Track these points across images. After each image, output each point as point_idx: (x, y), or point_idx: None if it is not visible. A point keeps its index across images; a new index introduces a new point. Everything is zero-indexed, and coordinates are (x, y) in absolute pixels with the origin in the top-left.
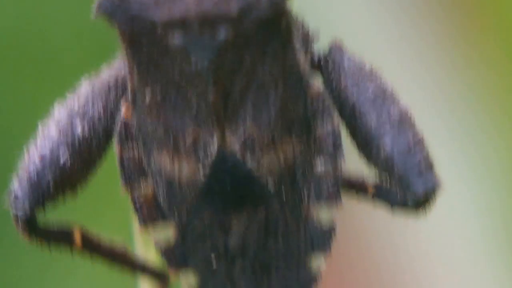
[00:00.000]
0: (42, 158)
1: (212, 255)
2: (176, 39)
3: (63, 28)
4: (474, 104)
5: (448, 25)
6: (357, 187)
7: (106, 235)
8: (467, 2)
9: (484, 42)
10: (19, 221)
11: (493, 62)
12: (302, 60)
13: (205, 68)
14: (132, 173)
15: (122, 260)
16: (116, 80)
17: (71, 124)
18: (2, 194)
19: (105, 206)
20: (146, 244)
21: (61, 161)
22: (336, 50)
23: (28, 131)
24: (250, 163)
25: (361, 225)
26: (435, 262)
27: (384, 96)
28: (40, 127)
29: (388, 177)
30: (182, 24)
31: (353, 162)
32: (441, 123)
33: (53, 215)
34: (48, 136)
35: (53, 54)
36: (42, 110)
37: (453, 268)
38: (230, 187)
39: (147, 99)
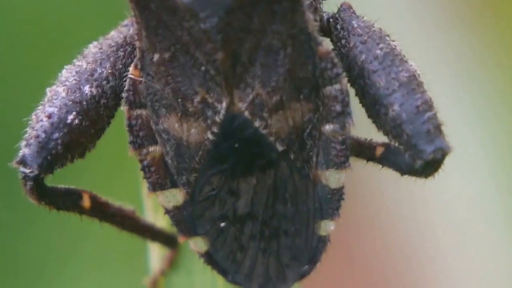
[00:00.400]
0: (50, 116)
1: (221, 220)
2: None
3: None
4: (486, 63)
5: None
6: (365, 148)
7: (115, 200)
8: None
9: None
10: (27, 181)
11: (506, 16)
12: (311, 19)
13: (213, 28)
14: (140, 135)
15: (131, 224)
16: (125, 40)
17: (79, 83)
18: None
19: (114, 173)
20: (155, 210)
21: (69, 120)
22: (345, 10)
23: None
24: (258, 123)
25: (369, 191)
26: (442, 227)
27: (393, 56)
28: (48, 89)
29: (396, 139)
30: None
31: (362, 129)
32: (450, 85)
33: (61, 180)
34: (56, 95)
35: (62, 23)
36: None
37: (461, 232)
38: (238, 149)
39: (155, 59)
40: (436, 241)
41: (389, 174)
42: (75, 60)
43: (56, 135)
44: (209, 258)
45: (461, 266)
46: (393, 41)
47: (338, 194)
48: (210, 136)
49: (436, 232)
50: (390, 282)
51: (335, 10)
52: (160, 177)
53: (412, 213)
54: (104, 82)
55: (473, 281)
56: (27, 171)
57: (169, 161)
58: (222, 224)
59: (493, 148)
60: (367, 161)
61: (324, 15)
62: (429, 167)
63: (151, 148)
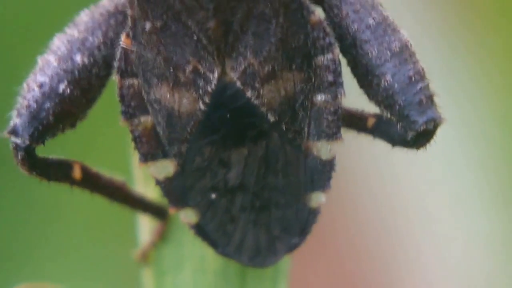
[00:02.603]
0: (41, 86)
1: (212, 191)
2: None
3: None
4: (479, 31)
5: None
6: (357, 119)
7: (106, 172)
8: None
9: None
10: (18, 151)
11: None
12: None
13: None
14: (132, 104)
15: (122, 195)
16: (116, 8)
17: (70, 52)
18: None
19: (105, 143)
20: (146, 181)
21: (60, 89)
22: None
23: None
24: (250, 93)
25: (360, 162)
26: (434, 194)
27: (385, 25)
28: (39, 58)
29: (388, 109)
30: None
31: (354, 99)
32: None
33: (52, 151)
34: (47, 64)
35: None
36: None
37: (453, 199)
38: (230, 119)
39: (147, 27)
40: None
41: (380, 142)
42: (66, 28)
43: (47, 104)
44: (199, 230)
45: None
46: (385, 10)
47: (329, 166)
48: (201, 106)
49: (429, 197)
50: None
51: None
52: (151, 148)
53: (406, 181)
54: (96, 51)
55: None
56: (19, 141)
57: (161, 132)
58: (213, 196)
59: (488, 118)
60: (359, 132)
61: None
62: (421, 138)
63: (142, 118)
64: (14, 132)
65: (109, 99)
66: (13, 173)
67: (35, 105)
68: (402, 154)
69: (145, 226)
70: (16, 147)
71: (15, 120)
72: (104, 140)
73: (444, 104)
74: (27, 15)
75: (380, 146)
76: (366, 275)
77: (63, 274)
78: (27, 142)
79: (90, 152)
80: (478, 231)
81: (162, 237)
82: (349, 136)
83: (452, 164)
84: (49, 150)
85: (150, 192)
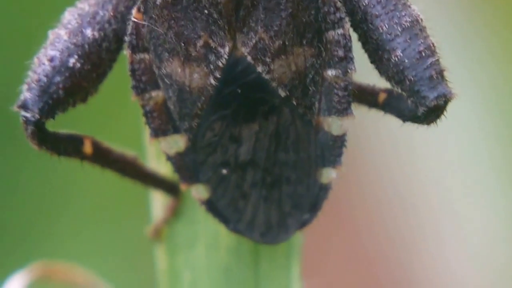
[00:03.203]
0: (52, 59)
1: (223, 167)
2: None
3: None
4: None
5: None
6: (368, 94)
7: (117, 147)
8: None
9: None
10: (28, 126)
11: None
12: None
13: None
14: (143, 79)
15: (133, 171)
16: None
17: (81, 26)
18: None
19: (116, 118)
20: (158, 157)
21: (70, 63)
22: None
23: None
24: (261, 68)
25: (377, 140)
26: (451, 171)
27: (396, 0)
28: (50, 32)
29: (398, 85)
30: None
31: (364, 74)
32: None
33: (63, 125)
34: (58, 38)
35: None
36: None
37: (470, 176)
38: (241, 94)
39: (159, 1)
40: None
41: (390, 118)
42: (77, 2)
43: (57, 78)
44: (211, 206)
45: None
46: None
47: (340, 141)
48: (212, 81)
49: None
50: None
51: None
52: (162, 123)
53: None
54: (106, 25)
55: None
56: (28, 115)
57: (172, 107)
58: (224, 171)
59: (495, 94)
60: (370, 107)
61: None
62: (431, 113)
63: (153, 93)
64: (24, 106)
65: (120, 72)
66: (27, 152)
67: (45, 79)
68: (418, 131)
69: (158, 203)
70: (26, 121)
71: (25, 94)
72: (117, 115)
73: (459, 79)
74: None
75: (396, 123)
76: (380, 253)
77: (77, 251)
78: (37, 116)
79: (102, 128)
80: (497, 210)
81: (175, 214)
82: (367, 114)
83: (470, 141)
84: (60, 125)
85: (162, 167)
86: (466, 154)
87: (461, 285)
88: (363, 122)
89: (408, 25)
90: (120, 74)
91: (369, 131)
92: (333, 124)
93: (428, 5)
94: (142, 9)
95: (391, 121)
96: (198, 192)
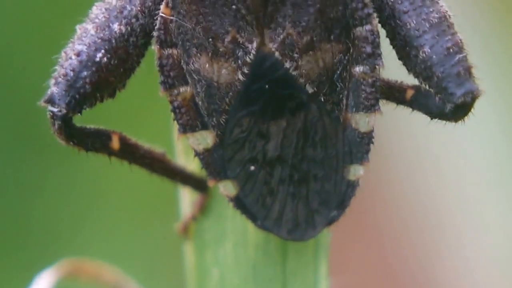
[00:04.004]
0: (79, 54)
1: (251, 163)
2: None
3: None
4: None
5: None
6: (395, 91)
7: (145, 143)
8: None
9: None
10: (55, 121)
11: None
12: None
13: None
14: (171, 75)
15: (161, 167)
16: None
17: (108, 20)
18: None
19: (145, 114)
20: (186, 153)
21: (97, 58)
22: None
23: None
24: (288, 64)
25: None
26: (473, 171)
27: None
28: (77, 26)
29: (426, 81)
30: None
31: (392, 71)
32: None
33: (91, 120)
34: (85, 32)
35: None
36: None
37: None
38: (268, 90)
39: None
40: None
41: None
42: None
43: (84, 73)
44: (238, 202)
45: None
46: None
47: (367, 138)
48: (240, 76)
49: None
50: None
51: None
52: (190, 119)
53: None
54: (134, 20)
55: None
56: (55, 109)
57: (200, 102)
58: (252, 168)
59: None
60: (397, 104)
61: None
62: (459, 110)
63: (182, 89)
64: (50, 101)
65: (149, 67)
66: (55, 149)
67: (72, 74)
68: (441, 131)
69: (187, 199)
70: (53, 116)
71: (52, 88)
72: (145, 111)
73: (482, 78)
74: None
75: (419, 123)
76: (405, 252)
77: (105, 249)
78: (64, 111)
79: (130, 123)
80: None
81: (203, 211)
82: (388, 114)
83: (491, 142)
84: (88, 121)
85: (191, 163)
86: (490, 158)
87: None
88: (389, 124)
89: (436, 21)
90: (148, 70)
91: (394, 130)
92: (360, 121)
93: (454, 3)
94: (170, 4)
95: (418, 122)
96: (226, 188)
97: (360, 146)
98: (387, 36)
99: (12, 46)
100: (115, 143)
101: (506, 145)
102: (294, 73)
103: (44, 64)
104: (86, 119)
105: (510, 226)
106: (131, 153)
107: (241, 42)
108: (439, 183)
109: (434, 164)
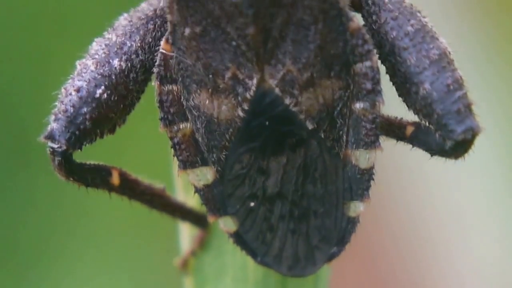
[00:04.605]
0: (79, 90)
1: (251, 199)
2: None
3: None
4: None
5: None
6: (395, 127)
7: (146, 178)
8: None
9: None
10: (55, 157)
11: None
12: None
13: (245, 2)
14: (171, 111)
15: (161, 202)
16: (155, 12)
17: (108, 56)
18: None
19: (145, 149)
20: (186, 189)
21: (97, 94)
22: None
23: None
24: (288, 101)
25: (394, 172)
26: (469, 204)
27: (424, 32)
28: (77, 62)
29: (426, 118)
30: None
31: (392, 107)
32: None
33: (91, 156)
34: (85, 68)
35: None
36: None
37: (488, 209)
38: (269, 127)
39: (187, 33)
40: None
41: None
42: (105, 33)
43: (84, 109)
44: (239, 238)
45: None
46: (424, 17)
47: (368, 175)
48: (240, 113)
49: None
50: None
51: None
52: (190, 155)
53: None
54: (134, 56)
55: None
56: (55, 146)
57: (200, 139)
58: (252, 204)
59: None
60: (397, 140)
61: None
62: (459, 147)
63: (181, 125)
64: (51, 137)
65: (149, 103)
66: (50, 178)
67: (72, 110)
68: (436, 163)
69: (186, 234)
70: (53, 152)
71: (52, 124)
72: (145, 146)
73: (481, 114)
74: (68, 19)
75: (414, 155)
76: (404, 285)
77: (106, 282)
78: (64, 147)
79: (130, 159)
80: None
81: (202, 246)
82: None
83: (487, 174)
84: (88, 156)
85: (191, 199)
86: (482, 186)
87: None
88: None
89: (436, 57)
90: (148, 105)
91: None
92: (360, 157)
93: (453, 39)
94: (170, 40)
95: (407, 153)
96: (226, 224)
97: (360, 183)
98: (387, 73)
99: (11, 79)
100: (115, 179)
101: (504, 182)
102: (294, 109)
103: (44, 99)
104: (86, 153)
105: (505, 255)
106: (131, 188)
107: (241, 78)
108: (438, 217)
109: (433, 199)
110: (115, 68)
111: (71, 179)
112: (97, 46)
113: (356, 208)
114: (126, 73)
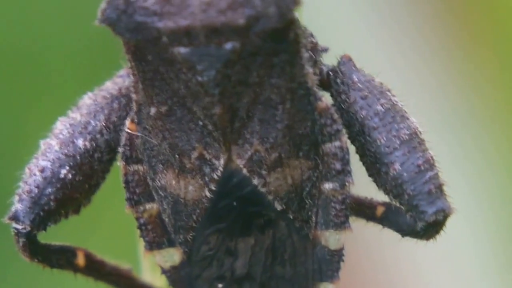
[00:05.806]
0: (43, 170)
1: (219, 281)
2: (181, 48)
3: (61, 41)
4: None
5: (445, 34)
6: (365, 208)
7: (112, 259)
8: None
9: (480, 46)
10: (20, 238)
11: (492, 60)
12: (310, 73)
13: (211, 81)
14: (137, 191)
15: (128, 284)
16: (120, 91)
17: (72, 136)
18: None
19: (111, 230)
20: (153, 269)
21: (62, 175)
22: (345, 63)
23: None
24: (256, 181)
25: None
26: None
27: (394, 112)
28: (41, 142)
29: (397, 198)
30: (188, 33)
31: (362, 187)
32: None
33: (55, 237)
34: (49, 148)
35: (52, 68)
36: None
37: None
38: (236, 207)
39: (152, 112)
40: None
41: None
42: (69, 112)
43: (49, 190)
44: None
45: None
46: (394, 96)
47: (337, 256)
48: (207, 193)
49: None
50: None
51: (335, 62)
52: (157, 236)
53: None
54: (98, 135)
55: None
56: (20, 227)
57: (166, 219)
58: (220, 285)
59: (494, 212)
60: (367, 221)
61: (323, 68)
62: (430, 228)
63: (148, 206)
64: (15, 218)
65: (115, 183)
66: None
67: (36, 190)
68: (408, 243)
69: None
70: (17, 233)
71: (16, 205)
72: (110, 227)
73: (454, 193)
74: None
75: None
76: None
77: None
78: (28, 229)
79: (96, 239)
80: None
81: None
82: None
83: (462, 253)
84: (52, 236)
85: (158, 280)
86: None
87: None
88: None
89: (407, 138)
90: (114, 184)
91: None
92: (330, 238)
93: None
94: (135, 120)
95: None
96: None
97: (330, 264)
98: (356, 152)
99: None
100: (81, 260)
101: (477, 261)
102: (262, 190)
103: (7, 180)
104: (50, 234)
105: None
106: (96, 270)
107: (208, 158)
108: None
109: (403, 280)
110: (80, 148)
111: (36, 260)
112: (61, 126)
113: None
114: (91, 153)
